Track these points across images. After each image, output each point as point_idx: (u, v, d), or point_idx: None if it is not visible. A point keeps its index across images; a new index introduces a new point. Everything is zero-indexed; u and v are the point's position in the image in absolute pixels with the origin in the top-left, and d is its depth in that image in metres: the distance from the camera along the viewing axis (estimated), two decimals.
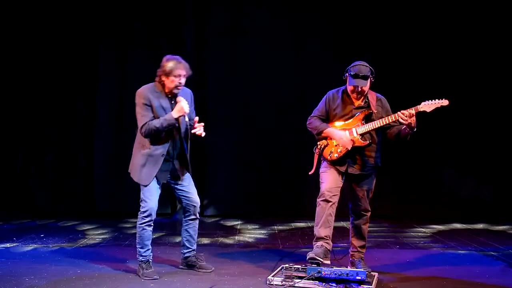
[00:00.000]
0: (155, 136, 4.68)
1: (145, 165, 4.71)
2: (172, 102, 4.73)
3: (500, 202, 7.94)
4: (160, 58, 4.78)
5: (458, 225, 7.47)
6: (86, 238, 6.58)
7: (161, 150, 4.72)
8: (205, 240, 6.35)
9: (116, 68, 8.20)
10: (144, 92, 4.70)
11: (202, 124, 4.81)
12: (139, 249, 4.82)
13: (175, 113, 4.64)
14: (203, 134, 4.82)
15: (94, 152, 8.19)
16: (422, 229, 7.20)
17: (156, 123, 4.62)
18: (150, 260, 4.84)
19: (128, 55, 8.18)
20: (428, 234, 6.89)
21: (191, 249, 5.01)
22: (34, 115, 8.17)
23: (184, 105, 4.65)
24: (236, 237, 6.68)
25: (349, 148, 4.78)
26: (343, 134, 4.81)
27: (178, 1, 8.12)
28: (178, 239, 6.35)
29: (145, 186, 4.74)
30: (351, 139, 4.78)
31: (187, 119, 4.74)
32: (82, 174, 8.22)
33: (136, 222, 4.83)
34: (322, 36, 8.11)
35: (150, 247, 4.85)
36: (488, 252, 5.84)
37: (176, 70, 4.62)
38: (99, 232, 6.94)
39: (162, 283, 4.64)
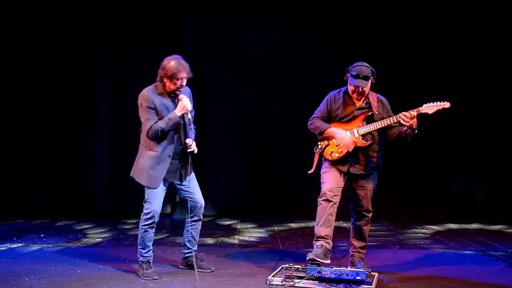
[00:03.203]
0: (162, 137, 4.68)
1: (153, 167, 4.70)
2: (176, 100, 4.74)
3: (500, 202, 7.94)
4: (160, 58, 4.77)
5: (457, 225, 7.46)
6: (86, 238, 6.58)
7: (168, 151, 4.72)
8: (205, 240, 6.34)
9: (116, 67, 8.20)
10: (147, 95, 4.69)
11: (192, 142, 4.81)
12: (140, 249, 4.82)
13: (178, 111, 4.66)
14: (196, 151, 4.82)
15: (94, 152, 8.19)
16: (422, 229, 7.20)
17: (161, 123, 4.63)
18: (151, 261, 4.85)
19: (128, 54, 8.18)
20: (428, 234, 6.90)
21: (191, 250, 5.01)
22: (34, 115, 8.17)
23: (186, 103, 4.67)
24: (236, 237, 6.68)
25: (350, 150, 4.78)
26: (345, 135, 4.80)
27: (178, 1, 8.12)
28: (178, 239, 6.36)
29: (154, 189, 4.74)
30: (353, 141, 4.78)
31: (190, 116, 4.76)
32: (82, 174, 8.22)
33: (137, 222, 4.83)
34: (323, 36, 8.11)
35: (152, 247, 4.86)
36: (488, 252, 5.84)
37: (178, 73, 4.62)
38: (99, 232, 6.94)
39: (162, 283, 4.64)
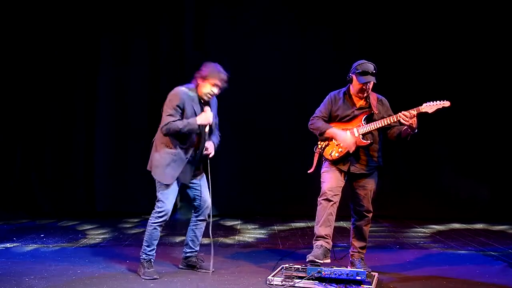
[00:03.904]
0: (180, 138, 4.71)
1: (169, 165, 4.73)
2: (202, 105, 4.79)
3: (500, 201, 7.93)
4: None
5: (458, 225, 7.46)
6: (86, 238, 6.58)
7: (188, 153, 4.76)
8: (205, 240, 6.33)
9: (116, 67, 8.21)
10: (181, 95, 4.71)
11: (211, 145, 4.87)
12: (145, 246, 4.83)
13: (199, 120, 4.71)
14: (212, 155, 4.90)
15: (94, 152, 8.19)
16: (422, 229, 7.20)
17: (180, 124, 4.65)
18: (152, 260, 4.85)
19: (128, 55, 8.19)
20: (428, 234, 6.89)
21: (193, 250, 5.03)
22: (33, 115, 8.17)
23: (209, 116, 4.74)
24: (236, 237, 6.68)
25: (351, 151, 4.78)
26: (346, 136, 4.80)
27: (178, 1, 8.12)
28: (178, 239, 6.36)
29: (166, 185, 4.75)
30: (354, 141, 4.77)
31: (211, 124, 4.83)
32: (82, 174, 8.22)
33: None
34: (323, 37, 8.11)
35: (155, 247, 4.87)
36: (488, 252, 5.84)
37: (214, 78, 4.69)
38: (99, 232, 6.94)
39: (162, 283, 4.64)
